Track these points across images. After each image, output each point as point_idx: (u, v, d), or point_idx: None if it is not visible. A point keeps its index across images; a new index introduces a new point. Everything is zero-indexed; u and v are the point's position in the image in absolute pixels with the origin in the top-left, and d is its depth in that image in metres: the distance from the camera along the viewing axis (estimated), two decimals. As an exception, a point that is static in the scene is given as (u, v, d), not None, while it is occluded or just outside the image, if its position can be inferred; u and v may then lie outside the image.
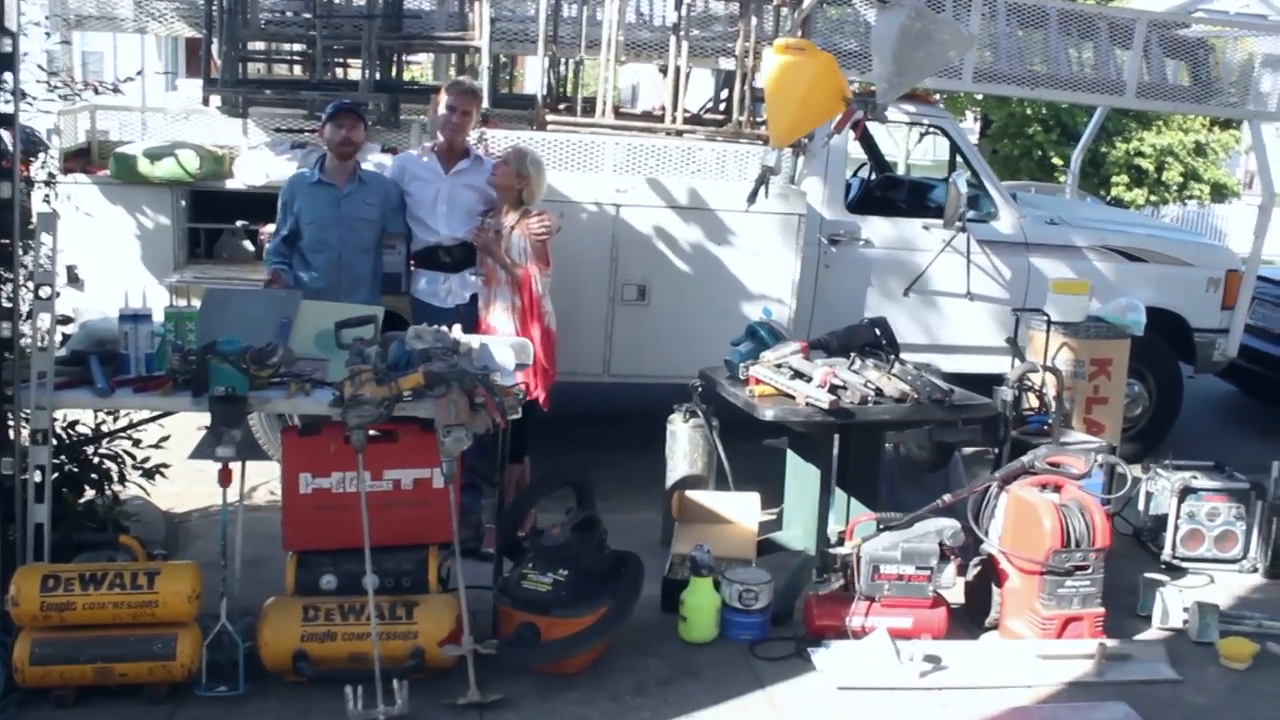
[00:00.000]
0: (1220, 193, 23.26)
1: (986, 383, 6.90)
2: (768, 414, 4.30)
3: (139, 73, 5.60)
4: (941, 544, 4.30)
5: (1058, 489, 4.56)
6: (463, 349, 4.44)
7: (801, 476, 4.97)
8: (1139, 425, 7.19)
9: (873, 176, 8.28)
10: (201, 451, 6.13)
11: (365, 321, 3.97)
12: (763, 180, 5.41)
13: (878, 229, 6.84)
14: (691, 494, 5.23)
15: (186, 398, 3.82)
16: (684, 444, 5.47)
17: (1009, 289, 7.00)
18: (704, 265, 6.32)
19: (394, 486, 3.98)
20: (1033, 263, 7.03)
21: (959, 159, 7.16)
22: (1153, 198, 22.31)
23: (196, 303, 5.83)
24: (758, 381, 4.50)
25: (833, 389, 4.38)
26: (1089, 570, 4.35)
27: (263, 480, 5.45)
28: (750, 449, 5.42)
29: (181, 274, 5.88)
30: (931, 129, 7.35)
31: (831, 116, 5.16)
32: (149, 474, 4.82)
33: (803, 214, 6.35)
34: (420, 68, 10.77)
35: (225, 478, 3.75)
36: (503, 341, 4.64)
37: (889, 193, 8.09)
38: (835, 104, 5.08)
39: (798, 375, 4.46)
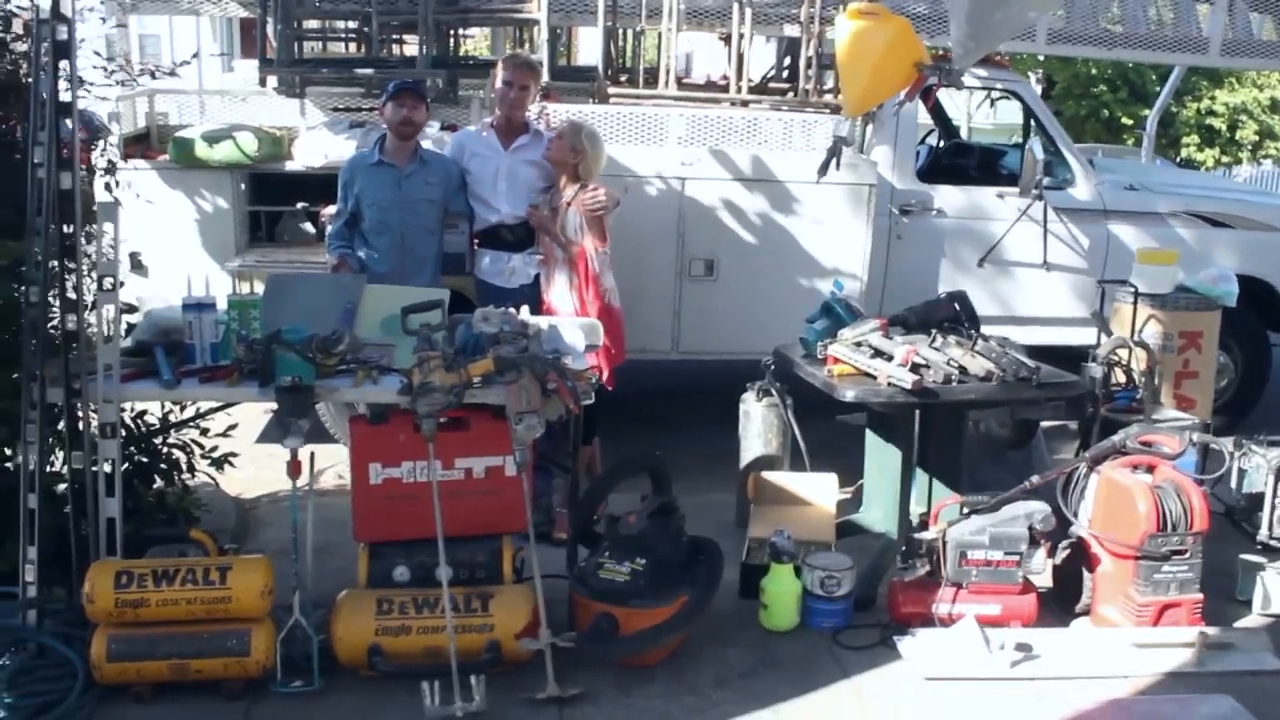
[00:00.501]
0: (1294, 152, 22.53)
1: (1065, 356, 6.73)
2: (848, 395, 4.14)
3: (195, 55, 5.52)
4: (1031, 528, 4.13)
5: (1150, 469, 4.37)
6: (531, 331, 4.34)
7: (881, 456, 4.81)
8: (1225, 397, 6.88)
9: (941, 144, 8.02)
10: (269, 436, 6.09)
11: (432, 306, 3.87)
12: (835, 151, 5.23)
13: (950, 198, 6.62)
14: (767, 475, 5.09)
15: (253, 388, 3.74)
16: (758, 424, 5.33)
17: (1087, 259, 6.75)
18: (772, 239, 6.16)
19: (466, 475, 3.88)
20: (1112, 231, 6.77)
21: (1033, 124, 6.89)
22: (1225, 158, 21.68)
23: (260, 287, 5.83)
24: (836, 360, 4.34)
25: (915, 368, 4.21)
26: (1186, 555, 4.16)
27: (330, 464, 5.39)
28: (825, 426, 5.27)
29: (243, 258, 5.83)
30: (1005, 94, 7.08)
31: (907, 84, 4.95)
32: (218, 463, 4.77)
33: (873, 184, 6.15)
34: (476, 41, 10.66)
35: (295, 469, 3.67)
36: (572, 322, 4.52)
37: (959, 160, 7.83)
38: (910, 71, 4.86)
39: (878, 354, 4.30)
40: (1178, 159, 20.65)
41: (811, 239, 6.18)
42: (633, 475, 4.28)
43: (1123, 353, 4.95)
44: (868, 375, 4.25)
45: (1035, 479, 4.33)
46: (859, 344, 4.35)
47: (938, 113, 8.07)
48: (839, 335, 4.43)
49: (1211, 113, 20.92)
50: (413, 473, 3.85)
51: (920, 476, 4.76)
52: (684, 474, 6.13)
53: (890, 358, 4.27)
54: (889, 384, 4.13)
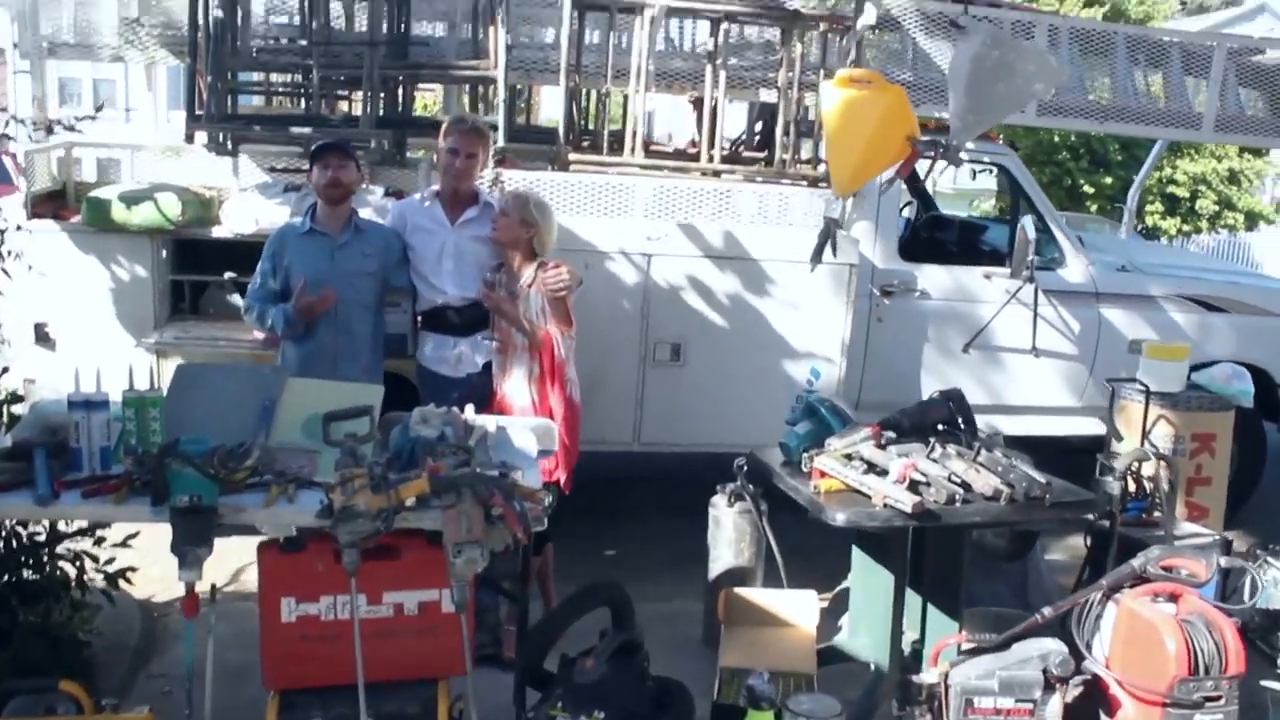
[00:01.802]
0: (1253, 221, 22.61)
1: (1052, 447, 6.30)
2: (839, 518, 3.62)
3: (99, 109, 4.95)
4: (1046, 671, 3.62)
5: (1174, 598, 3.87)
6: (476, 436, 3.80)
7: (868, 576, 4.30)
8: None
9: (919, 217, 7.61)
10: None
11: (359, 413, 3.31)
12: (828, 235, 4.77)
13: (934, 278, 6.19)
14: (740, 593, 4.55)
15: (144, 505, 3.16)
16: (729, 532, 4.81)
17: (1078, 344, 6.35)
18: (745, 321, 5.68)
19: (395, 612, 3.31)
20: (1104, 314, 6.38)
21: (1021, 200, 6.49)
22: (1185, 227, 21.68)
23: (176, 366, 5.25)
24: (823, 475, 3.82)
25: (913, 485, 3.70)
26: (1222, 701, 3.65)
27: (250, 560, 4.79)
28: (800, 524, 4.73)
29: (162, 333, 5.26)
30: (991, 167, 6.70)
31: (899, 158, 4.51)
32: (112, 579, 4.15)
33: (854, 264, 5.69)
34: (433, 97, 10.15)
35: (189, 607, 3.09)
36: (523, 424, 3.98)
37: (938, 234, 7.44)
38: (902, 144, 4.43)
39: (871, 468, 3.79)
40: (1139, 227, 20.58)
41: (787, 322, 5.71)
42: (590, 609, 3.73)
43: (1145, 465, 4.47)
44: (860, 493, 3.74)
45: (1047, 611, 3.82)
46: (849, 456, 3.84)
47: (913, 183, 7.67)
48: (826, 444, 3.91)
49: (1173, 181, 20.94)
50: (332, 609, 3.27)
51: (913, 598, 4.25)
52: (646, 576, 5.64)
53: (884, 472, 3.77)
54: (885, 505, 3.61)
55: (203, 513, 3.06)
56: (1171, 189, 20.85)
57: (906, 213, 7.57)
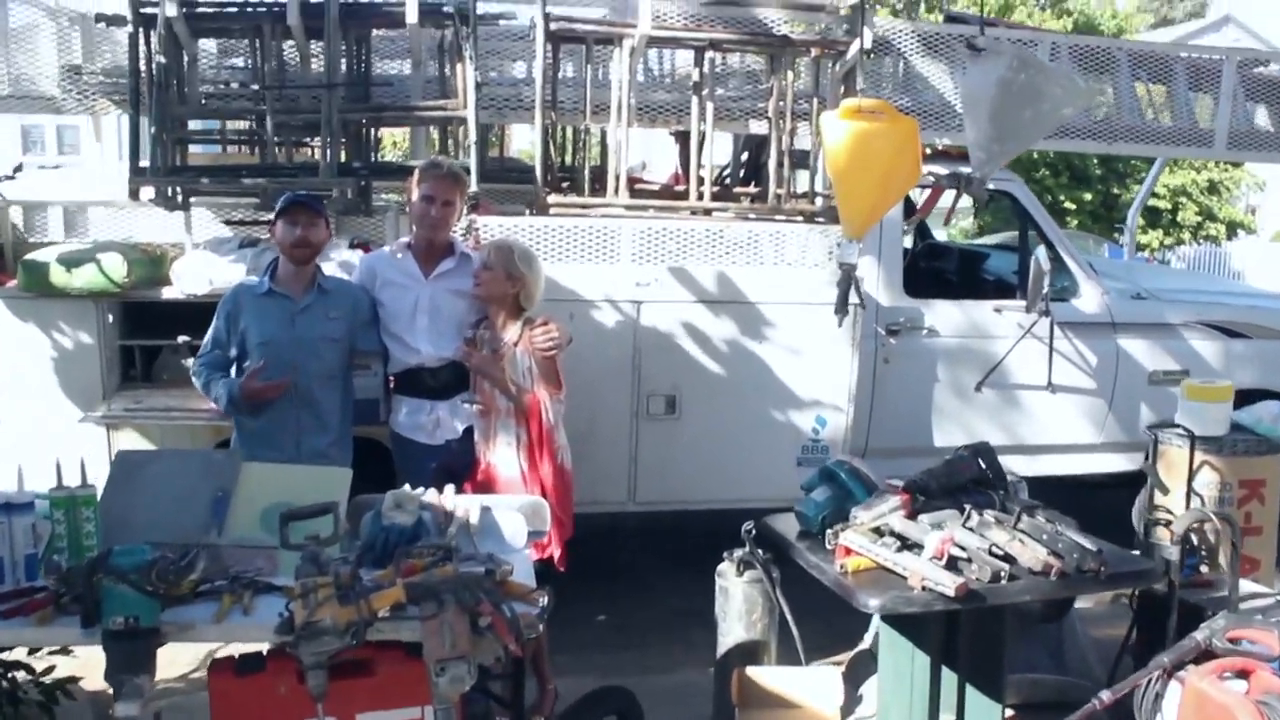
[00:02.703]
0: (1234, 230, 22.50)
1: (1072, 486, 5.93)
2: (872, 604, 3.19)
3: (18, 169, 4.52)
4: (1112, 768, 3.21)
5: (1244, 674, 3.47)
6: (459, 521, 3.38)
7: (899, 655, 3.88)
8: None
9: (916, 246, 7.24)
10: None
11: (321, 511, 2.88)
12: (849, 281, 4.38)
13: (942, 314, 5.80)
14: (754, 673, 4.13)
15: (73, 627, 2.71)
16: (738, 603, 4.37)
17: (1095, 377, 5.97)
18: (743, 369, 5.28)
19: (371, 736, 2.87)
20: (1121, 346, 6.01)
21: (1029, 228, 6.13)
22: (1167, 239, 21.51)
23: (133, 442, 4.81)
24: (850, 552, 3.40)
25: (952, 561, 3.29)
26: (1306, 795, 3.24)
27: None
28: (811, 583, 4.34)
29: (110, 404, 4.81)
30: (995, 194, 6.32)
31: (907, 191, 4.12)
32: (49, 693, 3.68)
33: (858, 303, 5.30)
34: (398, 139, 9.73)
35: (130, 752, 2.63)
36: (510, 505, 3.55)
37: (935, 264, 7.07)
38: (914, 177, 4.05)
39: (903, 543, 3.37)
40: (1121, 242, 20.38)
41: (788, 368, 5.31)
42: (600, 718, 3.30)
43: (1206, 527, 4.07)
44: (892, 572, 3.32)
45: (1106, 695, 3.40)
46: (878, 530, 3.43)
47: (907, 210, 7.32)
48: (852, 516, 3.49)
49: (1154, 194, 20.76)
50: (297, 737, 2.83)
51: (948, 675, 3.83)
52: (646, 643, 5.23)
53: (918, 546, 3.35)
54: (924, 587, 3.19)
55: (141, 636, 2.62)
56: (1153, 202, 20.69)
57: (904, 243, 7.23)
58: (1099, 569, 3.32)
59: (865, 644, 4.73)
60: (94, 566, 2.65)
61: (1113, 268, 6.86)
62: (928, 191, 4.68)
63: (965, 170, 3.99)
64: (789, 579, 4.31)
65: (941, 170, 4.92)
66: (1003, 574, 3.25)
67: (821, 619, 4.35)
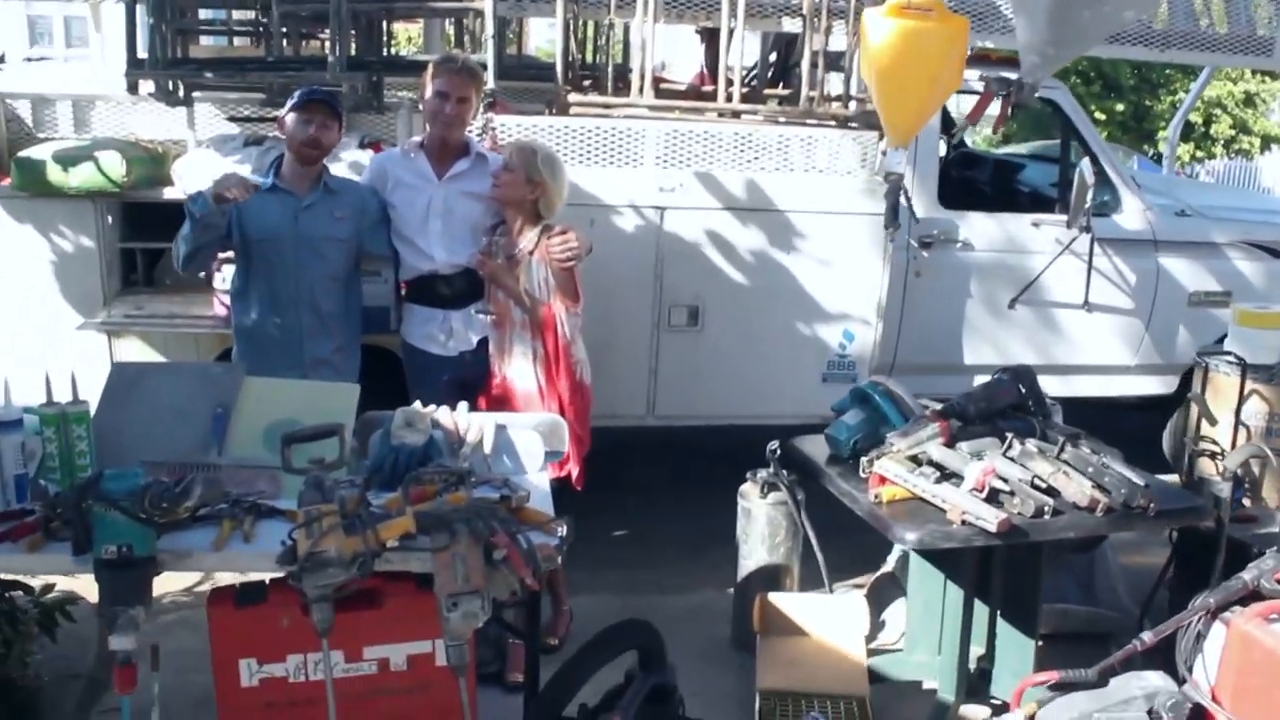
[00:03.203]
0: (1268, 145, 21.90)
1: (1102, 407, 5.74)
2: (909, 538, 3.03)
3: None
4: (1153, 713, 3.06)
5: (1293, 615, 3.31)
6: (472, 441, 3.21)
7: (929, 585, 3.74)
8: None
9: (948, 154, 6.94)
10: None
11: (326, 433, 2.69)
12: (897, 191, 4.13)
13: (977, 228, 5.54)
14: (776, 599, 4.00)
15: (64, 554, 2.55)
16: (761, 525, 4.23)
17: (1134, 297, 5.73)
18: (769, 280, 5.05)
19: (379, 669, 2.73)
20: (1162, 265, 5.75)
21: (1072, 139, 5.83)
22: (1199, 152, 20.97)
23: (136, 351, 4.63)
24: (884, 480, 3.23)
25: (993, 493, 3.12)
26: (1356, 741, 3.11)
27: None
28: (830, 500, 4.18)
29: (111, 310, 4.62)
30: (1040, 102, 6.01)
31: (950, 96, 3.85)
32: (48, 613, 3.56)
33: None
34: (413, 35, 9.35)
35: (124, 681, 2.49)
36: (527, 422, 3.38)
37: (968, 173, 6.78)
38: (958, 81, 3.78)
39: (942, 473, 3.19)
40: (1152, 154, 19.87)
41: (816, 280, 5.09)
42: (618, 654, 3.15)
43: (1253, 460, 3.88)
44: (929, 503, 3.15)
45: (1147, 636, 3.26)
46: (914, 458, 3.25)
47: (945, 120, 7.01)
48: (888, 443, 3.31)
49: (1189, 106, 20.16)
50: (302, 669, 2.69)
51: (980, 608, 3.69)
52: (664, 562, 5.12)
53: (959, 479, 3.18)
54: (964, 522, 3.02)
55: (135, 565, 2.46)
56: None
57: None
58: (1147, 505, 3.15)
59: (889, 566, 4.59)
60: (83, 492, 2.48)
61: (1155, 182, 6.56)
62: (973, 99, 4.39)
63: (1012, 75, 3.70)
64: (811, 496, 4.16)
65: (990, 74, 4.63)
66: (1046, 509, 3.08)
67: (844, 538, 4.20)
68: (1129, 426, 6.12)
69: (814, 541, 4.14)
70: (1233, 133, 20.65)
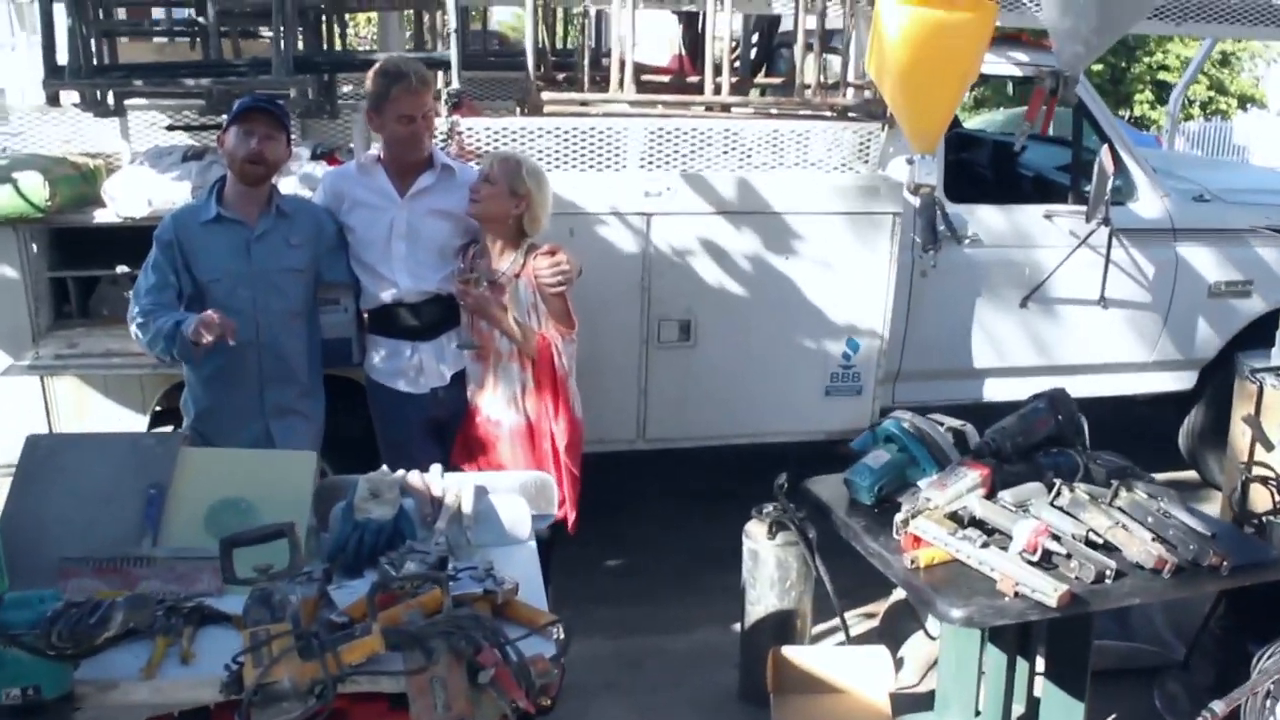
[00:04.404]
0: (1244, 104, 21.63)
1: (1116, 406, 5.39)
2: (956, 615, 2.63)
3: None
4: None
5: (1377, 672, 2.95)
6: (449, 511, 2.79)
7: (964, 645, 3.36)
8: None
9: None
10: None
11: (272, 535, 2.27)
12: (932, 207, 3.73)
13: (986, 221, 5.13)
14: (791, 654, 3.61)
15: (-38, 695, 2.13)
16: (770, 569, 3.84)
17: (1152, 290, 5.36)
18: (766, 289, 4.64)
19: (348, 803, 2.32)
20: (1181, 255, 5.38)
21: (1086, 123, 5.41)
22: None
23: (71, 392, 4.17)
24: (919, 541, 2.83)
25: (1045, 554, 2.73)
26: None
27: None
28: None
29: (40, 349, 4.15)
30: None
31: (965, 87, 3.43)
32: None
33: (899, 212, 4.65)
34: (365, 26, 8.82)
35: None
36: (511, 485, 2.96)
37: (964, 155, 6.37)
38: (977, 72, 3.36)
39: (983, 530, 2.80)
40: (1129, 117, 19.57)
41: (817, 286, 4.68)
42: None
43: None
44: (977, 571, 2.76)
45: (1219, 706, 2.88)
46: (956, 516, 2.85)
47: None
48: (922, 498, 2.91)
49: (1164, 68, 19.87)
50: (256, 809, 2.27)
51: (1020, 664, 3.32)
52: (662, 597, 4.76)
53: (1006, 538, 2.78)
54: (1017, 594, 2.63)
55: (45, 711, 2.04)
56: (1163, 75, 19.78)
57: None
58: (1220, 563, 2.76)
59: (901, 593, 4.22)
60: (-22, 619, 2.05)
61: (1166, 162, 6.16)
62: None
63: (1050, 66, 3.29)
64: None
65: (1036, 63, 4.19)
66: (1108, 573, 2.69)
67: (850, 556, 3.74)
68: (1139, 415, 5.79)
69: (830, 588, 3.74)
70: (1210, 94, 20.37)
